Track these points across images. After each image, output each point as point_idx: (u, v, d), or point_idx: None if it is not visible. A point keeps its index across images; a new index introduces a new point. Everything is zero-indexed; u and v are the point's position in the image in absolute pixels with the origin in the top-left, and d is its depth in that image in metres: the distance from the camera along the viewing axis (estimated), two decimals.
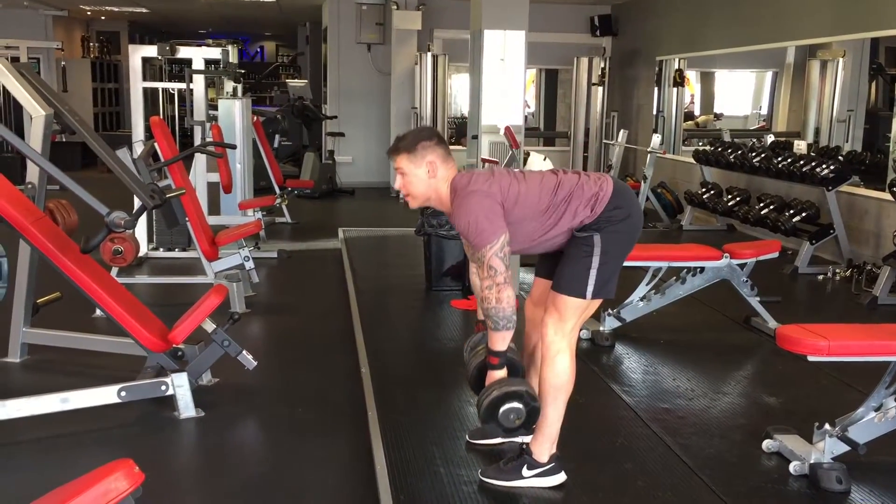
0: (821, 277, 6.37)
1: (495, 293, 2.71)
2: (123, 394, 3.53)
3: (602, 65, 11.10)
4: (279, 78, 17.13)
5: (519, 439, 3.14)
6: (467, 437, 3.28)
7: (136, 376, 3.69)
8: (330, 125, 11.56)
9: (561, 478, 2.91)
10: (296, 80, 11.51)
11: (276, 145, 10.71)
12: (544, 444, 2.89)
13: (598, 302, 2.90)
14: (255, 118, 8.79)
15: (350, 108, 11.68)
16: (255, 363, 3.83)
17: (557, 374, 2.84)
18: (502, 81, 5.55)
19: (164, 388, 3.60)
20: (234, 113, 7.54)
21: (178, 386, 3.61)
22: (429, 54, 10.62)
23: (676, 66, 10.48)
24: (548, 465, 2.89)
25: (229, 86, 8.25)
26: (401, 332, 4.98)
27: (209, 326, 3.75)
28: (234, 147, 6.54)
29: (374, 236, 7.92)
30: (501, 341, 2.78)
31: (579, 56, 11.29)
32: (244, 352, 3.82)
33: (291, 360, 4.48)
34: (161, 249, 6.69)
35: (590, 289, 2.80)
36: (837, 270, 6.38)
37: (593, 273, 2.80)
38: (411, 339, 4.92)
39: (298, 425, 3.62)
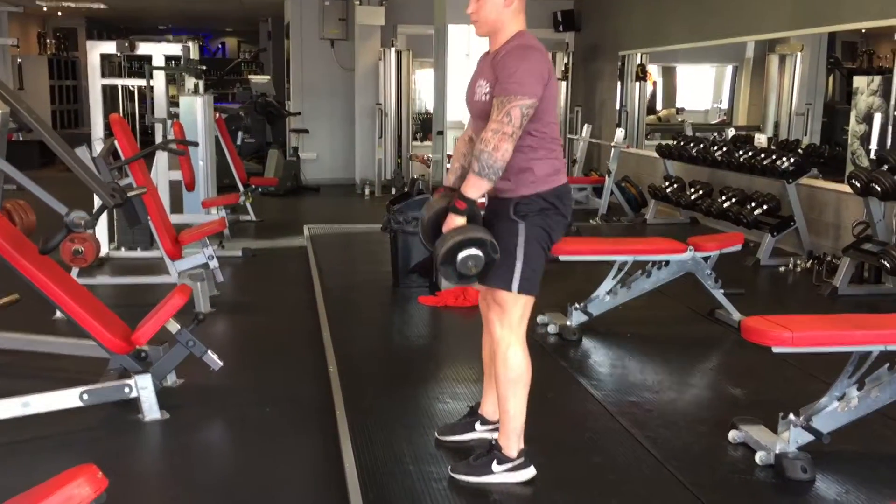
0: (782, 269, 6.46)
1: (497, 140, 2.62)
2: (86, 397, 3.46)
3: (565, 60, 11.13)
4: (241, 74, 16.95)
5: (488, 435, 3.15)
6: (436, 434, 3.27)
7: (98, 379, 3.63)
8: (293, 122, 11.48)
9: (531, 472, 2.91)
10: (258, 77, 11.38)
11: (238, 143, 10.60)
12: (511, 438, 2.89)
13: (531, 299, 2.84)
14: (218, 115, 8.70)
15: (314, 105, 11.61)
16: (221, 363, 3.78)
17: (511, 367, 2.82)
18: (468, 77, 5.53)
19: (127, 390, 3.54)
20: (196, 110, 7.44)
21: (142, 388, 3.55)
22: (392, 50, 10.58)
23: (639, 61, 10.55)
24: (517, 461, 2.89)
25: (190, 82, 8.14)
26: (368, 330, 4.95)
27: (173, 327, 3.70)
28: (196, 144, 6.47)
29: (339, 234, 7.87)
30: (477, 189, 2.69)
31: None
32: (209, 352, 3.77)
33: (258, 360, 4.44)
34: (123, 249, 6.59)
35: (515, 284, 2.77)
36: (798, 262, 6.48)
37: (519, 266, 2.76)
38: (379, 337, 4.90)
39: (266, 425, 3.59)
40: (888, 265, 5.21)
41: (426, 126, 11.98)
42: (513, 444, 2.89)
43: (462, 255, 2.66)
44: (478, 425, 3.22)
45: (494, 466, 2.89)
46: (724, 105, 12.92)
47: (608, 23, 10.99)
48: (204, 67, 8.10)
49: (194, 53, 7.64)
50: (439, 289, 5.44)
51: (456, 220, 2.72)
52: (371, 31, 11.16)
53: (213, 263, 5.48)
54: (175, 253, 5.36)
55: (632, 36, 10.42)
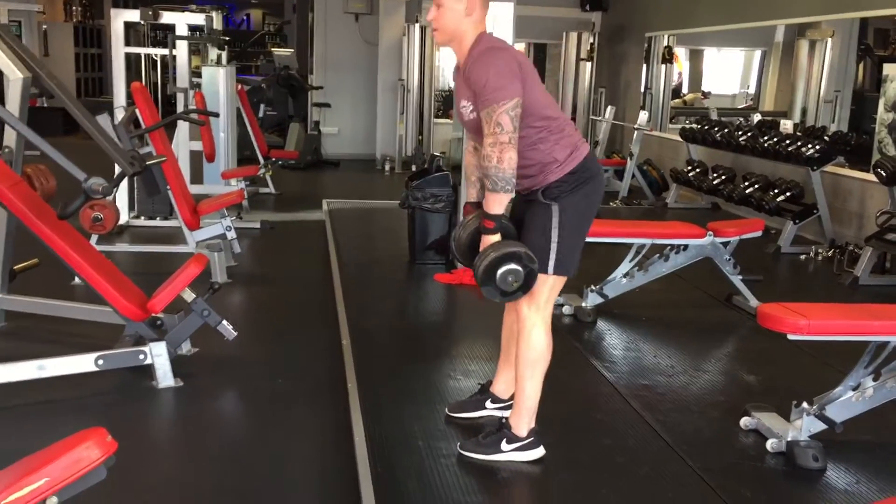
0: (803, 257, 6.40)
1: (497, 152, 2.62)
2: (101, 362, 3.49)
3: (591, 40, 11.03)
4: (265, 47, 16.93)
5: (498, 413, 3.14)
6: (446, 410, 3.27)
7: (113, 345, 3.66)
8: (315, 95, 11.45)
9: (540, 452, 2.91)
10: (282, 49, 11.35)
11: (260, 115, 10.60)
12: (523, 418, 2.89)
13: (565, 278, 2.85)
14: (240, 87, 8.69)
15: (336, 79, 11.57)
16: (235, 334, 3.80)
17: (533, 347, 2.82)
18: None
19: (142, 356, 3.57)
20: (218, 81, 7.45)
21: (157, 355, 3.58)
22: (416, 25, 10.51)
23: (666, 43, 10.43)
24: (527, 440, 2.89)
25: (213, 53, 8.14)
26: (383, 305, 4.96)
27: (189, 296, 3.72)
28: (216, 115, 6.47)
29: (358, 208, 7.87)
30: (498, 204, 2.68)
31: (568, 31, 11.21)
32: (224, 322, 3.78)
33: (272, 332, 4.46)
34: (142, 218, 6.62)
35: (551, 264, 2.77)
36: (820, 250, 6.41)
37: (554, 247, 2.76)
38: (393, 312, 4.90)
39: (278, 396, 3.60)
40: None
41: (448, 103, 11.91)
42: (524, 423, 2.88)
43: (501, 271, 2.68)
44: (488, 403, 3.22)
45: (504, 445, 2.89)
46: (752, 90, 12.78)
47: (636, 3, 10.86)
48: (227, 38, 8.09)
49: (218, 24, 7.63)
50: (455, 266, 5.43)
51: (490, 239, 2.73)
52: (396, 5, 11.10)
53: (231, 234, 5.50)
54: (193, 223, 5.38)
55: (659, 17, 10.29)
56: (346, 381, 3.61)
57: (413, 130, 10.66)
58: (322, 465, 3.03)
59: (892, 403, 3.12)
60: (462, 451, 2.94)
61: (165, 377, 3.58)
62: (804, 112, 10.17)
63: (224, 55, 8.06)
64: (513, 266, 2.67)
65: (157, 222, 6.56)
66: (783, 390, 3.58)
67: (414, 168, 10.47)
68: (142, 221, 6.59)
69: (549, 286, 2.80)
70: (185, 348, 3.92)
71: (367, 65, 11.51)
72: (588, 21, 11.38)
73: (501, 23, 5.52)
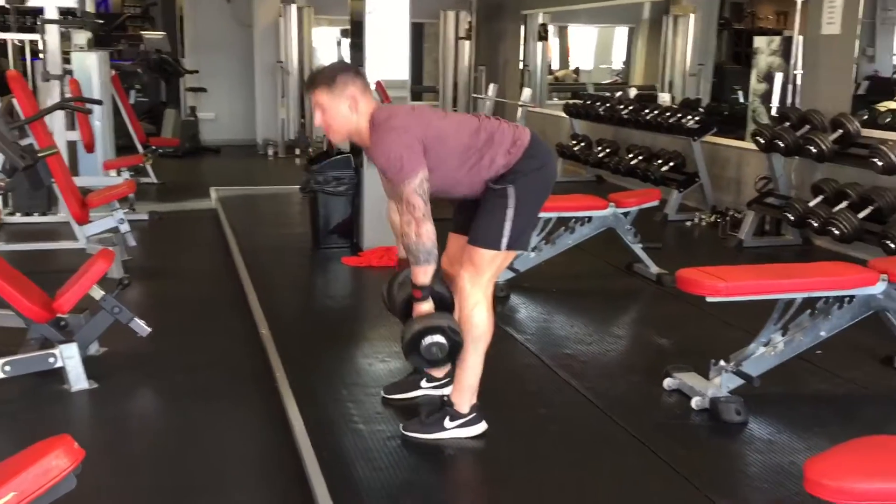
0: (689, 223, 6.71)
1: (415, 228, 2.68)
2: (8, 368, 3.29)
3: (469, 18, 11.10)
4: (126, 30, 16.10)
5: (434, 392, 3.16)
6: (382, 392, 3.27)
7: (17, 350, 3.44)
8: (189, 80, 11.03)
9: (482, 427, 2.95)
10: (153, 33, 10.85)
11: (131, 102, 10.12)
12: (465, 394, 2.92)
13: (512, 254, 2.92)
14: (113, 73, 8.27)
15: (210, 62, 11.17)
16: (149, 330, 3.65)
17: (475, 325, 2.85)
18: (382, 35, 5.47)
19: (52, 360, 3.38)
20: (91, 67, 7.06)
21: (68, 357, 3.39)
22: (293, 6, 10.29)
23: (541, 21, 10.64)
24: (469, 416, 2.92)
25: (81, 38, 7.68)
26: (295, 292, 4.88)
27: (97, 293, 3.54)
28: (100, 103, 6.15)
29: (249, 195, 7.67)
30: (423, 275, 2.74)
31: (445, 10, 11.24)
32: (136, 318, 3.63)
33: (183, 326, 4.29)
34: (18, 214, 6.22)
35: (504, 241, 2.82)
36: (703, 217, 6.73)
37: (508, 225, 2.81)
38: (307, 299, 4.84)
39: (201, 392, 3.48)
40: (791, 217, 5.48)
41: None
42: (466, 399, 2.91)
43: (426, 343, 2.75)
44: (423, 382, 3.23)
45: (447, 423, 2.91)
46: (619, 66, 13.25)
47: None
48: (102, 21, 7.67)
49: (90, 6, 7.22)
50: (361, 248, 5.40)
51: (420, 308, 2.79)
52: None
53: (125, 227, 5.25)
54: (82, 217, 5.10)
55: None
56: (271, 370, 3.54)
57: (295, 113, 10.46)
58: (261, 457, 2.96)
59: (796, 356, 3.34)
60: (405, 432, 2.94)
61: (79, 380, 3.40)
62: (671, 86, 10.61)
63: (91, 39, 7.62)
64: (437, 339, 2.75)
65: (36, 218, 6.18)
66: (694, 351, 3.76)
67: (298, 151, 10.32)
68: (17, 218, 6.19)
69: (496, 264, 2.84)
70: (94, 349, 3.73)
71: (243, 47, 11.18)
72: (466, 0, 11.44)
73: (391, 2, 5.47)
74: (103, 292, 3.55)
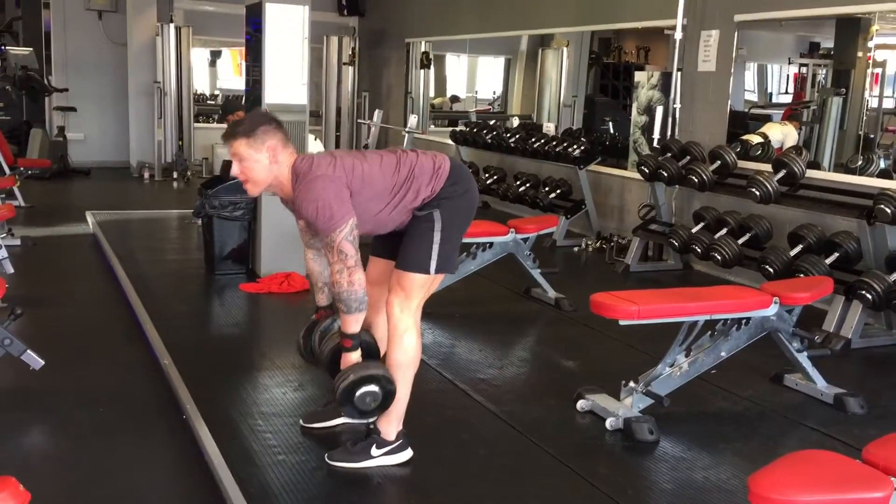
0: (576, 249, 6.92)
1: (347, 276, 2.68)
2: None
3: (352, 44, 11.12)
4: None
5: (360, 420, 3.12)
6: (301, 421, 3.20)
7: None
8: (57, 99, 10.51)
9: (408, 454, 2.94)
10: (19, 49, 10.29)
11: None
12: (392, 422, 2.91)
13: (440, 277, 2.94)
14: None
15: (80, 81, 10.68)
16: (43, 362, 3.43)
17: (405, 350, 2.86)
18: (279, 57, 5.39)
19: None
20: None
21: None
22: (171, 25, 10.01)
23: (423, 49, 10.78)
24: (396, 443, 2.91)
25: None
26: (194, 320, 4.70)
27: None
28: None
29: (129, 219, 7.37)
30: (355, 323, 2.75)
31: (328, 35, 11.22)
32: (28, 350, 3.40)
33: (75, 357, 4.05)
34: None
35: (433, 264, 2.84)
36: (589, 242, 6.97)
37: (435, 248, 2.83)
38: (209, 327, 4.68)
39: (103, 427, 3.30)
40: (676, 243, 5.76)
41: (209, 108, 11.47)
42: (393, 427, 2.90)
43: (359, 393, 2.74)
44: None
45: (373, 451, 2.89)
46: (492, 95, 13.59)
47: (393, 9, 11.12)
48: None
49: None
50: (258, 274, 5.28)
51: (351, 358, 2.79)
52: (145, 4, 10.48)
53: (2, 253, 4.93)
54: None
55: (417, 24, 10.63)
56: (178, 402, 3.40)
57: (172, 135, 10.14)
58: (179, 493, 2.84)
59: (697, 377, 3.51)
60: (331, 462, 2.89)
61: None
62: (548, 116, 10.98)
63: None
64: (371, 388, 2.76)
65: None
66: (600, 372, 3.89)
67: (175, 175, 9.99)
68: None
69: (425, 288, 2.85)
70: None
71: (115, 66, 10.77)
72: (348, 25, 11.46)
73: (293, 25, 5.44)
74: None
